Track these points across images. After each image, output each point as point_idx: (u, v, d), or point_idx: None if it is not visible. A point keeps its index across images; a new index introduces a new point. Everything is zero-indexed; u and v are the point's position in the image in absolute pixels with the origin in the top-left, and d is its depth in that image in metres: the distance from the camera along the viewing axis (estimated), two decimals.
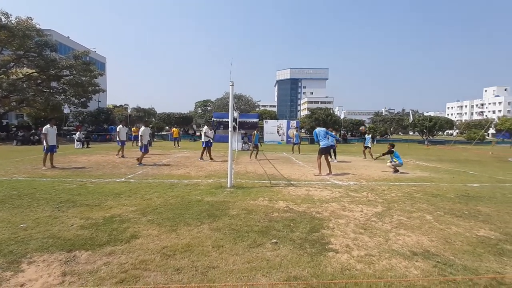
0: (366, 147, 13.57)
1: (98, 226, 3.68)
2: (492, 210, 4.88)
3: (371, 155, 13.07)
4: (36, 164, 9.49)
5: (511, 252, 3.18)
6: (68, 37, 43.57)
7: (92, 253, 2.94)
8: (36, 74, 23.30)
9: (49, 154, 8.62)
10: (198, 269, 2.64)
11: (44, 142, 8.53)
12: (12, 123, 29.32)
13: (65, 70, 23.80)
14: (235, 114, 17.11)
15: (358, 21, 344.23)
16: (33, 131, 21.77)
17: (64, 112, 23.30)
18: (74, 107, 27.95)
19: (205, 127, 11.95)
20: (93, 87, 26.08)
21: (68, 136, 24.59)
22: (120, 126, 12.46)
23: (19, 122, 28.60)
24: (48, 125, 8.79)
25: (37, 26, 21.59)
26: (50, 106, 23.20)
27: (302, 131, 36.99)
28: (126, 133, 12.52)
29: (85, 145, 17.15)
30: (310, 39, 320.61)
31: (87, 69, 24.54)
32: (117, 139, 12.19)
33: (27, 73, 23.20)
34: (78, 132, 17.65)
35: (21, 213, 4.17)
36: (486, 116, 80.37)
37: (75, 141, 17.19)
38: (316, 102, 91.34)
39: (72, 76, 24.48)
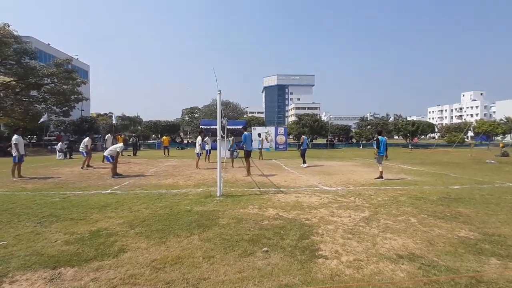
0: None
1: (84, 241, 3.58)
2: (472, 211, 5.10)
3: None
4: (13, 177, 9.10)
5: (488, 251, 3.35)
6: (49, 44, 42.38)
7: (78, 269, 2.85)
8: (14, 82, 22.47)
9: (18, 164, 8.66)
10: (189, 282, 2.62)
11: (16, 151, 8.53)
12: None
13: (45, 79, 23.07)
14: (223, 121, 17.21)
15: (342, 29, 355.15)
16: None
17: (42, 120, 22.40)
18: (56, 116, 27.08)
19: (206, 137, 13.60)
20: (75, 96, 25.41)
21: (49, 147, 23.70)
22: (109, 135, 12.57)
23: None
24: (16, 135, 8.82)
25: (15, 33, 20.94)
26: (30, 116, 22.34)
27: (290, 137, 37.33)
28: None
29: (68, 156, 16.57)
30: (296, 45, 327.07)
31: (69, 77, 23.90)
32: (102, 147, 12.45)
33: (4, 82, 22.33)
34: (60, 143, 17.03)
35: (1, 230, 3.99)
36: (464, 119, 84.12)
37: (57, 152, 16.59)
38: (303, 108, 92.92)
39: (53, 85, 23.76)
